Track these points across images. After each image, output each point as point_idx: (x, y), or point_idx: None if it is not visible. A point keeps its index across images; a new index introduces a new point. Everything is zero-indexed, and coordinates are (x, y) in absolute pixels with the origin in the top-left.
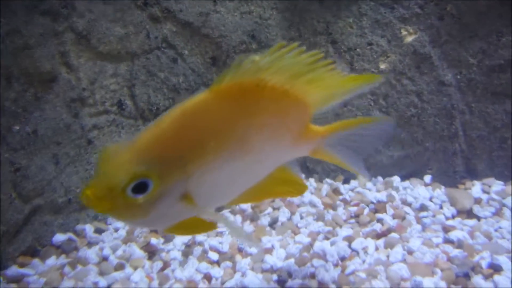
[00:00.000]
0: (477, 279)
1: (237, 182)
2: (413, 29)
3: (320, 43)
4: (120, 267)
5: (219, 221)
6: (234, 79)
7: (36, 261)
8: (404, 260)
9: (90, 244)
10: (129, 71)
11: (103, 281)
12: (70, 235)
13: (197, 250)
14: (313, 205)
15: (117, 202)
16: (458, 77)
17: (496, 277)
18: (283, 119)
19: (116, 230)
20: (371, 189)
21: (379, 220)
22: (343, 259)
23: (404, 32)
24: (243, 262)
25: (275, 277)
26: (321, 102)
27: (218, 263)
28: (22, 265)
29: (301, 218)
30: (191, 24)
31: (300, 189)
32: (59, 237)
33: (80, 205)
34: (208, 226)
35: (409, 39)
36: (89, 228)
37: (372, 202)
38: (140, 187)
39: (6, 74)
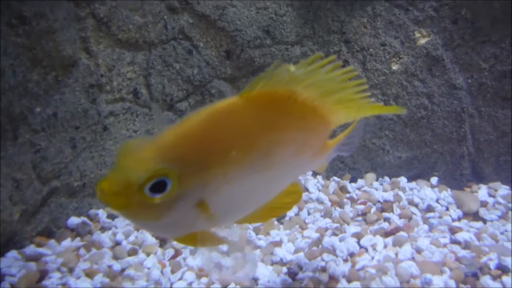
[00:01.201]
0: (486, 279)
1: (253, 197)
2: (426, 32)
3: (333, 42)
4: (133, 252)
5: (225, 242)
6: (266, 86)
7: (52, 242)
8: (413, 258)
9: (103, 229)
10: (146, 60)
11: (117, 265)
12: (84, 218)
13: None
14: (320, 201)
15: (132, 199)
16: (469, 81)
17: (505, 278)
18: (308, 136)
19: None
20: (378, 189)
21: (386, 219)
22: (352, 255)
23: (417, 34)
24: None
25: (285, 269)
26: (342, 121)
27: (228, 254)
28: (39, 245)
29: (309, 214)
30: (208, 16)
31: (297, 198)
32: (74, 220)
33: (93, 190)
34: (216, 241)
35: (422, 41)
36: (102, 213)
37: (379, 201)
38: (158, 186)
39: (31, 56)
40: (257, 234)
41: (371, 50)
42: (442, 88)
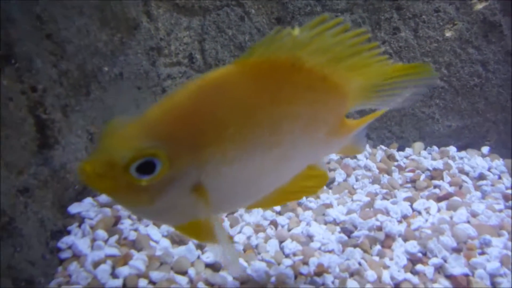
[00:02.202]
0: None
1: (261, 181)
2: None
3: (384, 9)
4: None
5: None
6: (266, 53)
7: None
8: (468, 222)
9: None
10: (201, 26)
11: None
12: None
13: None
14: (368, 169)
15: (119, 181)
16: None
17: None
18: (319, 109)
19: None
20: (426, 157)
21: (437, 186)
22: (405, 217)
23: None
24: (306, 214)
25: (338, 229)
26: (362, 94)
27: (280, 213)
28: None
29: (357, 180)
30: None
31: (321, 182)
32: None
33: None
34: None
35: (479, 6)
36: None
37: (428, 169)
38: (146, 167)
39: (101, 17)
40: (307, 197)
41: (423, 16)
42: (498, 55)
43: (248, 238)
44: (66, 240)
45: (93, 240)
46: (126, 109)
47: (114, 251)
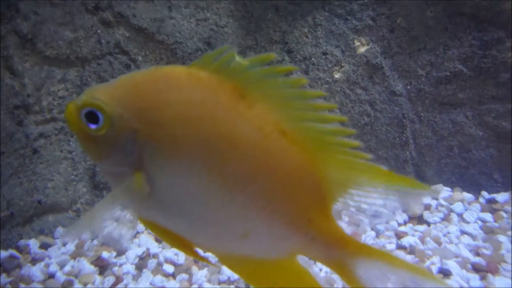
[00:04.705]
0: None
1: (206, 209)
2: (365, 40)
3: (276, 52)
4: (68, 284)
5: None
6: (214, 69)
7: None
8: None
9: (34, 261)
10: (79, 77)
11: None
12: (12, 251)
13: (152, 262)
14: None
15: (77, 124)
16: (408, 87)
17: (446, 281)
18: (277, 171)
19: (64, 244)
20: None
21: None
22: None
23: (357, 43)
24: (200, 274)
25: (232, 287)
26: (337, 184)
27: (173, 275)
28: None
29: None
30: (145, 29)
31: None
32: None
33: (24, 218)
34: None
35: (362, 49)
36: (33, 243)
37: None
38: (93, 118)
39: None
40: (205, 251)
41: (313, 59)
42: (383, 95)
43: None
44: None
45: None
46: None
47: None
